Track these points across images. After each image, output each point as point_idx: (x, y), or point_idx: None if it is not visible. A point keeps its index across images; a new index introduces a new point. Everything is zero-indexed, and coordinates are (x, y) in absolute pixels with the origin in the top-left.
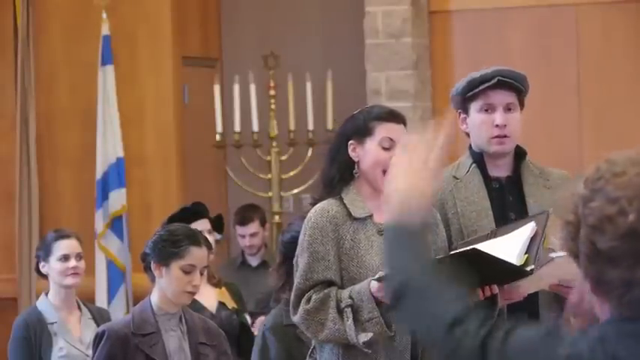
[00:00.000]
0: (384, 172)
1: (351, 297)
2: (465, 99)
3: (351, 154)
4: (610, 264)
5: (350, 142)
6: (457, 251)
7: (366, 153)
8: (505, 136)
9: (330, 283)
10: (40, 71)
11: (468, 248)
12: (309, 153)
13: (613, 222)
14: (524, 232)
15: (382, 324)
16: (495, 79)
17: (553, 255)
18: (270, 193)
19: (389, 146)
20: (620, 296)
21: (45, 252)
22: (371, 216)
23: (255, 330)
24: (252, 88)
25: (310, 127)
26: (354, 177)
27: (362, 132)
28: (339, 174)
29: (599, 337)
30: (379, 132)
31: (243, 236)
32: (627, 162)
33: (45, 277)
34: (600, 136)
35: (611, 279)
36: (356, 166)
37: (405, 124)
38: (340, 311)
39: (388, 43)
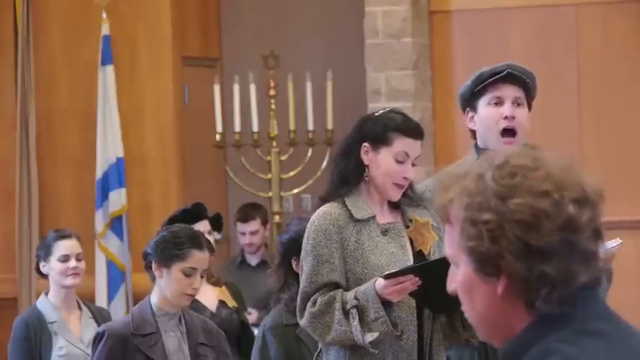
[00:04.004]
0: (394, 183)
1: (356, 298)
2: (474, 94)
3: (363, 156)
4: (543, 259)
5: (364, 144)
6: None
7: (380, 161)
8: (513, 130)
9: (335, 286)
10: (40, 71)
11: None
12: (309, 153)
13: (549, 216)
14: None
15: (388, 323)
16: (505, 71)
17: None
18: (270, 193)
19: (403, 160)
20: (549, 293)
21: (45, 252)
22: (374, 217)
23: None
24: (252, 88)
25: (310, 127)
26: (361, 179)
27: (379, 139)
28: (349, 175)
29: (547, 345)
30: (398, 145)
31: (244, 233)
32: (529, 158)
33: (45, 277)
34: (600, 136)
35: (542, 275)
36: (367, 170)
37: (422, 138)
38: (346, 313)
39: (388, 43)
